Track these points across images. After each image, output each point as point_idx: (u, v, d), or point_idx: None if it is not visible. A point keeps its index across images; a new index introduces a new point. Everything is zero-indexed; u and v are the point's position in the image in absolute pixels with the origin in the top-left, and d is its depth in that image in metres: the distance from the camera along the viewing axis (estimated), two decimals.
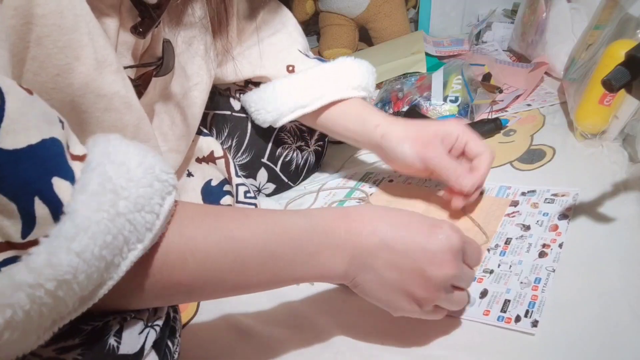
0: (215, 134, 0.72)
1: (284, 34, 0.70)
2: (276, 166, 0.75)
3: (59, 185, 0.29)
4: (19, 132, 0.27)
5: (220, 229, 0.37)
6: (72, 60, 0.36)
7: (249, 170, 0.74)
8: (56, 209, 0.28)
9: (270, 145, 0.74)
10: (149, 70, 0.49)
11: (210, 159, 0.67)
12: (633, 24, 0.67)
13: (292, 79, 0.68)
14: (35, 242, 0.28)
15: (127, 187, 0.31)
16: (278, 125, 0.69)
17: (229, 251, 0.37)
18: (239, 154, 0.73)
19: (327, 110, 0.67)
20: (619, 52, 0.63)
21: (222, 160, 0.67)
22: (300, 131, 0.77)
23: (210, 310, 0.56)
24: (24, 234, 0.28)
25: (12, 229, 0.27)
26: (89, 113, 0.35)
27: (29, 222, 0.28)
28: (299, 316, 0.52)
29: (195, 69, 0.58)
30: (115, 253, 0.30)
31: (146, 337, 0.35)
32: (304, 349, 0.49)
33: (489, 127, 0.81)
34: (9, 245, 0.28)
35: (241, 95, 0.73)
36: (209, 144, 0.68)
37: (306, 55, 0.71)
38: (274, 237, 0.38)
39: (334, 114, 0.67)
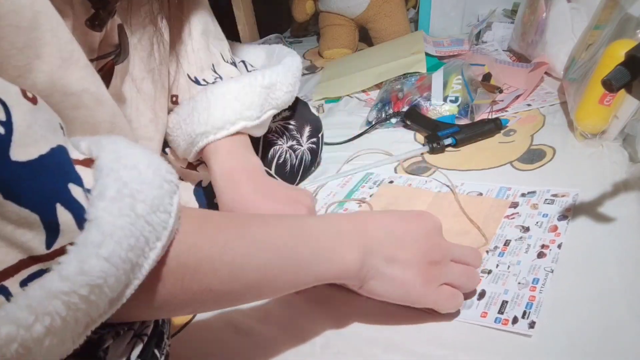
0: None
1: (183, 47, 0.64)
2: (271, 169, 0.74)
3: (75, 191, 0.30)
4: (29, 145, 0.28)
5: (245, 234, 0.39)
6: (32, 60, 0.34)
7: None
8: (79, 214, 0.29)
9: (260, 148, 0.74)
10: (110, 60, 0.48)
11: (193, 166, 0.66)
12: (633, 24, 0.67)
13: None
14: (62, 251, 0.28)
15: (141, 190, 0.32)
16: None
17: (254, 254, 0.39)
18: None
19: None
20: (619, 52, 0.63)
21: None
22: (288, 130, 0.76)
23: None
24: (49, 244, 0.28)
25: (35, 241, 0.28)
26: (57, 112, 0.34)
27: (52, 230, 0.28)
28: (298, 316, 0.52)
29: (150, 51, 0.56)
30: (138, 254, 0.31)
31: (132, 348, 0.36)
32: (304, 349, 0.49)
33: (489, 127, 0.80)
34: (32, 259, 0.28)
35: None
36: None
37: (195, 81, 0.64)
38: (294, 237, 0.41)
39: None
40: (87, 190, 0.31)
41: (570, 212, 0.58)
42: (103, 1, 0.44)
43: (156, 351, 0.39)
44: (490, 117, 0.85)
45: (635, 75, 0.45)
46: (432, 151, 0.78)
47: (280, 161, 0.75)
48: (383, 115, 0.92)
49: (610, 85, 0.46)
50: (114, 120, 0.43)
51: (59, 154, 0.30)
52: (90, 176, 0.31)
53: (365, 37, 1.39)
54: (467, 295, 0.49)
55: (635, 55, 0.45)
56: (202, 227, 0.37)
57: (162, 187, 0.33)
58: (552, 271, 0.51)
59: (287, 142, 0.75)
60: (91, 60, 0.45)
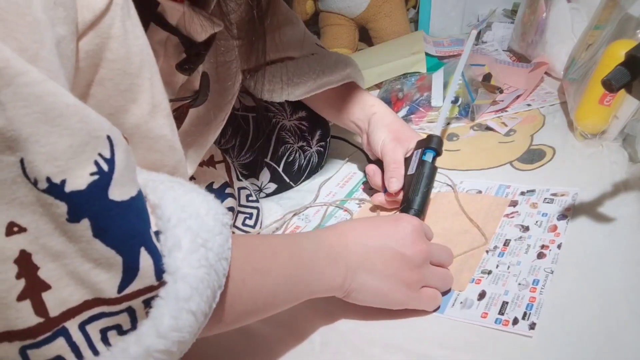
0: (219, 133, 0.72)
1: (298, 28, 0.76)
2: (279, 166, 0.75)
3: (154, 237, 0.30)
4: (125, 185, 0.28)
5: (257, 267, 0.40)
6: (128, 103, 0.34)
7: (252, 169, 0.74)
8: (158, 261, 0.29)
9: (272, 144, 0.74)
10: (186, 104, 0.49)
11: (210, 163, 0.67)
12: (633, 24, 0.67)
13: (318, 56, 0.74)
14: (130, 297, 0.28)
15: (208, 238, 0.32)
16: (305, 96, 0.73)
17: (264, 286, 0.41)
18: (242, 153, 0.73)
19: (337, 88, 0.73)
20: (619, 52, 0.63)
21: (222, 164, 0.67)
22: (300, 131, 0.77)
23: None
24: (121, 288, 0.28)
25: (109, 283, 0.27)
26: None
27: (130, 274, 0.28)
28: (298, 316, 0.52)
29: (226, 101, 0.58)
30: (210, 305, 0.32)
31: None
32: (304, 349, 0.49)
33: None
34: (97, 301, 0.27)
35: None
36: (209, 148, 0.67)
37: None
38: (295, 265, 0.44)
39: (336, 97, 0.74)
40: (155, 234, 0.30)
41: (570, 212, 0.58)
42: (196, 47, 0.44)
43: None
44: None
45: (635, 75, 0.45)
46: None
47: (289, 160, 0.75)
48: None
49: (610, 85, 0.46)
50: (177, 166, 0.43)
51: (141, 197, 0.30)
52: (152, 220, 0.31)
53: (365, 37, 1.39)
54: (443, 293, 0.50)
55: (635, 55, 0.45)
56: None
57: (222, 233, 0.33)
58: (552, 272, 0.51)
59: (298, 142, 0.76)
60: (170, 101, 0.45)
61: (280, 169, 0.75)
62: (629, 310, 0.45)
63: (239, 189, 0.67)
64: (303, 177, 0.78)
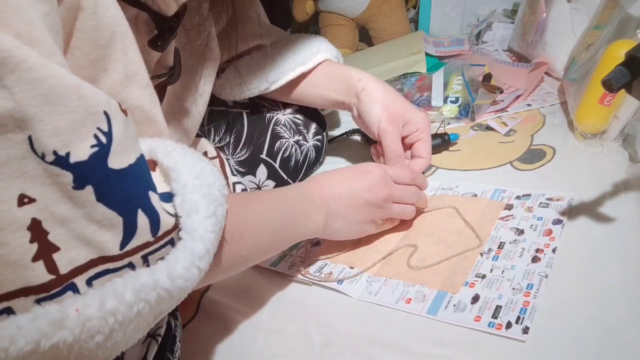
0: (213, 131, 0.72)
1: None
2: (275, 162, 0.75)
3: (153, 198, 0.33)
4: (122, 154, 0.31)
5: (256, 209, 0.48)
6: (99, 72, 0.36)
7: (249, 166, 0.74)
8: (154, 219, 0.33)
9: (267, 140, 0.74)
10: (163, 81, 0.50)
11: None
12: (633, 24, 0.67)
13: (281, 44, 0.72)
14: (132, 253, 0.32)
15: (217, 207, 0.37)
16: (271, 90, 0.71)
17: (265, 223, 0.48)
18: (238, 150, 0.73)
19: (308, 76, 0.72)
20: (619, 52, 0.62)
21: (217, 160, 0.67)
22: (296, 125, 0.76)
23: (209, 310, 0.56)
24: (123, 245, 0.31)
25: (112, 242, 0.31)
26: None
27: (129, 233, 0.31)
28: (299, 316, 0.52)
29: (203, 75, 0.58)
30: (209, 265, 0.36)
31: (148, 347, 0.39)
32: (304, 349, 0.49)
33: (436, 143, 0.77)
34: (102, 259, 0.31)
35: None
36: (202, 144, 0.67)
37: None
38: (284, 209, 0.51)
39: (316, 76, 0.73)
40: (162, 195, 0.34)
41: (565, 217, 0.58)
42: (168, 23, 0.45)
43: (169, 355, 0.41)
44: (440, 131, 0.83)
45: (635, 75, 0.45)
46: None
47: (285, 155, 0.75)
48: None
49: (610, 85, 0.45)
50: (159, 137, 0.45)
51: (142, 163, 0.33)
52: (159, 178, 0.35)
53: (365, 37, 1.39)
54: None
55: (635, 55, 0.44)
56: (229, 205, 0.41)
57: (223, 205, 0.38)
58: (546, 276, 0.50)
59: (293, 136, 0.75)
60: None
61: (276, 165, 0.75)
62: (629, 310, 0.44)
63: (234, 183, 0.66)
64: (301, 174, 0.78)
